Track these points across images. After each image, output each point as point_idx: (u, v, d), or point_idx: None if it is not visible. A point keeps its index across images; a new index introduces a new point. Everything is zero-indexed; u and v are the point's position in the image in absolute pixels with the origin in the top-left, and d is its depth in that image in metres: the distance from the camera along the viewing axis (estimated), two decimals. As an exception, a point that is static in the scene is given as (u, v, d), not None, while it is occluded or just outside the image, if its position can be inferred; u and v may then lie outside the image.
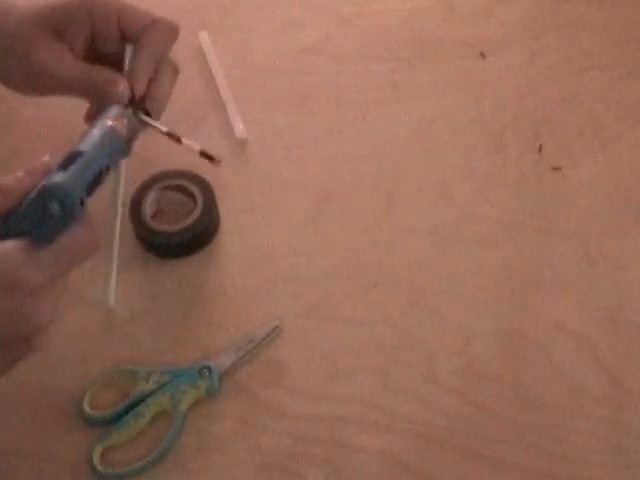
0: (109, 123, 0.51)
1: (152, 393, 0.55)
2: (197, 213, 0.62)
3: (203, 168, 0.64)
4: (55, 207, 0.43)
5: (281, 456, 0.54)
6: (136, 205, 0.62)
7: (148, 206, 0.63)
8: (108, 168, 0.49)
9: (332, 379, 0.58)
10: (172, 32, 0.58)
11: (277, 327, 0.59)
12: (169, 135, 0.57)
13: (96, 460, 0.53)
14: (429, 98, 0.72)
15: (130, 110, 0.55)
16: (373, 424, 0.56)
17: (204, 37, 0.75)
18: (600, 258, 0.63)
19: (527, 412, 0.56)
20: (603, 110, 0.71)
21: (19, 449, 0.54)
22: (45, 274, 0.42)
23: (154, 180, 0.64)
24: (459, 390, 0.57)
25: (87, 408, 0.55)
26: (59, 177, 0.44)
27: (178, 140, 0.57)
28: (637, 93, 0.73)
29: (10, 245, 0.42)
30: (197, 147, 0.58)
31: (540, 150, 0.69)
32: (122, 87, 0.55)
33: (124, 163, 0.58)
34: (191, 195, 0.63)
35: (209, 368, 0.56)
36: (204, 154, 0.58)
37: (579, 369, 0.58)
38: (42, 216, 0.43)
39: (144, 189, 0.63)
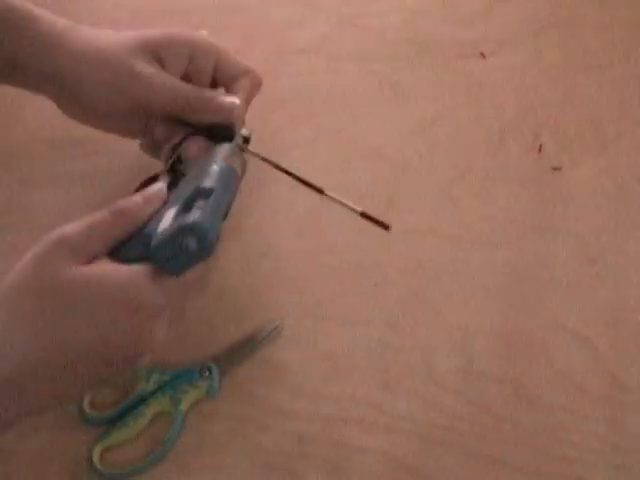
0: (228, 161, 0.51)
1: (152, 393, 0.56)
2: None
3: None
4: (193, 244, 0.44)
5: (281, 456, 0.54)
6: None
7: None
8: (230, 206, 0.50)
9: (332, 379, 0.58)
10: (258, 84, 0.59)
11: (277, 327, 0.59)
12: (311, 186, 0.57)
13: (96, 460, 0.53)
14: (429, 98, 0.72)
15: (240, 148, 0.55)
16: (373, 424, 0.56)
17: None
18: (600, 258, 0.63)
19: (527, 412, 0.56)
20: (603, 110, 0.71)
21: (19, 449, 0.54)
22: (168, 301, 0.45)
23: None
24: (459, 390, 0.57)
25: (87, 408, 0.55)
26: (197, 215, 0.45)
27: (320, 192, 0.57)
28: (637, 93, 0.73)
29: (138, 269, 0.44)
30: (358, 209, 0.57)
31: (540, 150, 0.69)
32: (241, 107, 0.56)
33: None
34: None
35: (209, 368, 0.56)
36: (367, 217, 0.57)
37: (579, 369, 0.58)
38: (177, 252, 0.45)
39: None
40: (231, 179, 0.51)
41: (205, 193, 0.47)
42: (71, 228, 0.45)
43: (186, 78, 0.56)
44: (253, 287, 0.62)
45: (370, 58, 0.75)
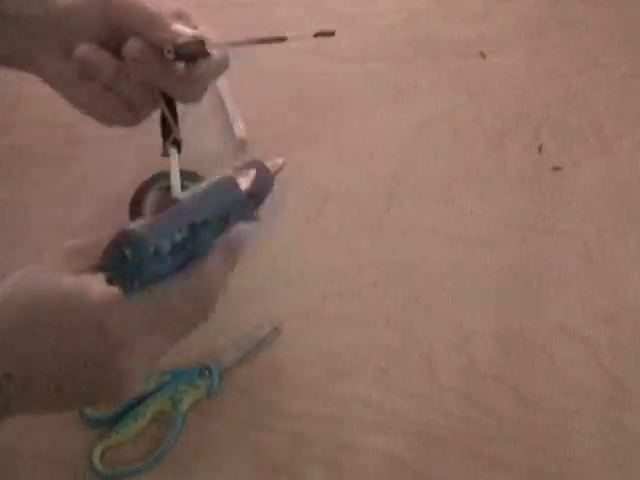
0: (227, 172, 0.48)
1: (152, 393, 0.55)
2: None
3: (204, 168, 0.64)
4: (129, 254, 0.42)
5: (281, 456, 0.54)
6: (136, 205, 0.62)
7: (148, 206, 0.62)
8: (221, 219, 0.46)
9: (332, 379, 0.58)
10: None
11: (277, 327, 0.59)
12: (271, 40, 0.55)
13: (96, 460, 0.53)
14: (429, 98, 0.72)
15: (265, 163, 0.52)
16: (373, 424, 0.56)
17: (204, 37, 0.75)
18: (600, 258, 0.63)
19: (527, 412, 0.56)
20: (603, 110, 0.71)
21: (19, 449, 0.54)
22: (137, 331, 0.42)
23: (154, 180, 0.63)
24: (459, 390, 0.57)
25: (87, 408, 0.55)
26: (137, 224, 0.42)
27: (282, 39, 0.56)
28: (637, 93, 0.73)
29: (112, 289, 0.41)
30: (311, 34, 0.55)
31: (540, 150, 0.69)
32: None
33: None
34: None
35: (209, 368, 0.56)
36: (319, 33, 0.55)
37: (579, 369, 0.58)
38: (119, 262, 0.42)
39: (144, 189, 0.63)
40: (222, 193, 0.47)
41: (172, 204, 0.45)
42: (78, 240, 0.43)
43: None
44: (253, 287, 0.62)
45: (370, 58, 0.75)
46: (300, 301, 0.61)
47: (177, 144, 0.55)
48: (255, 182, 0.49)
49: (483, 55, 0.75)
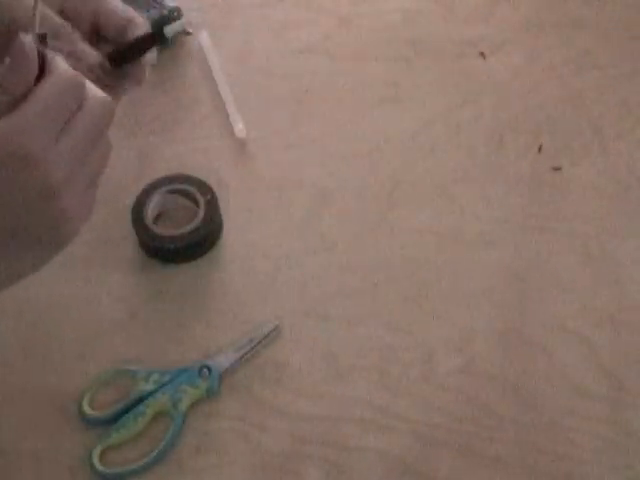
0: None
1: (152, 393, 0.55)
2: (199, 220, 0.62)
3: (204, 168, 0.64)
4: None
5: (281, 456, 0.54)
6: (139, 208, 0.62)
7: (150, 210, 0.62)
8: None
9: (332, 379, 0.58)
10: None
11: (277, 327, 0.59)
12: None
13: (96, 460, 0.53)
14: (429, 98, 0.72)
15: None
16: (373, 424, 0.56)
17: (204, 37, 0.75)
18: (600, 258, 0.63)
19: (527, 412, 0.56)
20: (603, 110, 0.71)
21: (19, 449, 0.54)
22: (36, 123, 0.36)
23: (157, 184, 0.63)
24: (459, 390, 0.57)
25: (87, 408, 0.55)
26: None
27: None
28: (637, 93, 0.73)
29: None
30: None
31: (540, 150, 0.69)
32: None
33: None
34: (194, 200, 0.63)
35: (209, 368, 0.56)
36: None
37: (579, 369, 0.58)
38: None
39: (147, 193, 0.63)
40: None
41: None
42: None
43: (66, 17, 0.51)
44: (253, 287, 0.62)
45: (370, 58, 0.75)
46: (300, 301, 0.61)
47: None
48: None
49: (483, 55, 0.75)
